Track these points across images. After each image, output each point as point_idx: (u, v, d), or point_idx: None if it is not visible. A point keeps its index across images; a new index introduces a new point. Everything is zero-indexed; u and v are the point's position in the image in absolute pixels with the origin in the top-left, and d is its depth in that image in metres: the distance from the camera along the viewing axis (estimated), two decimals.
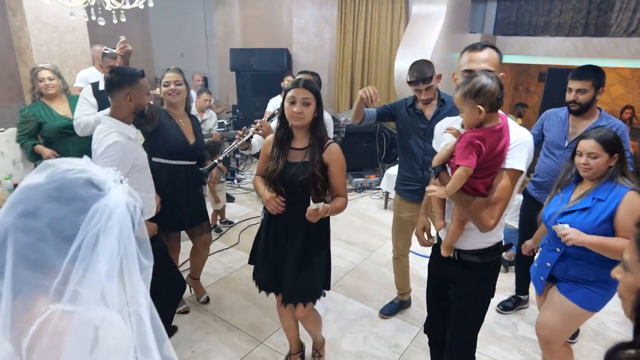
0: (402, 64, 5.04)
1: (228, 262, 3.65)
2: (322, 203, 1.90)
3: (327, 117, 2.80)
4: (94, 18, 3.23)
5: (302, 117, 1.93)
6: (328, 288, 2.26)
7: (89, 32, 5.17)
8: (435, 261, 1.95)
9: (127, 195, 0.88)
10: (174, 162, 2.58)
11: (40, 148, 3.09)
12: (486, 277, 1.81)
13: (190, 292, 3.10)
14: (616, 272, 0.87)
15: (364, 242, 4.07)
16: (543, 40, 5.64)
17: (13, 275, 0.78)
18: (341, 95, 6.61)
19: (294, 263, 2.06)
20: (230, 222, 4.38)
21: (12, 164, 3.53)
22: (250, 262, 2.32)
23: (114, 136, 1.96)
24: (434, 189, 1.70)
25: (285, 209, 2.01)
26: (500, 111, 1.62)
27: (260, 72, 6.41)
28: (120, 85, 2.02)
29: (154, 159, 2.57)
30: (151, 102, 2.22)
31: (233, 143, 2.59)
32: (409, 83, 2.50)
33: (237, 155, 6.05)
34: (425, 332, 2.12)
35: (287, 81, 5.29)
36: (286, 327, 2.44)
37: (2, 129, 3.62)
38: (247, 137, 2.55)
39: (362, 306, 3.08)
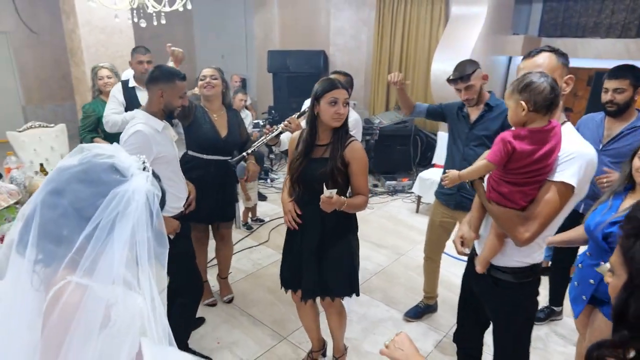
0: (439, 66, 4.96)
1: (257, 258, 3.72)
2: (336, 190, 1.87)
3: (355, 116, 2.80)
4: (136, 20, 3.39)
5: (343, 118, 1.95)
6: (357, 293, 2.21)
7: (135, 34, 5.42)
8: (466, 272, 1.90)
9: (149, 184, 0.91)
10: (205, 156, 2.67)
11: (98, 140, 3.28)
12: (520, 299, 1.68)
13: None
14: (607, 277, 0.83)
15: (393, 245, 4.03)
16: (592, 41, 5.40)
17: (37, 247, 0.85)
18: (377, 97, 6.58)
19: (310, 260, 2.09)
20: (261, 220, 4.46)
21: (60, 157, 3.75)
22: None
23: (138, 126, 2.02)
24: (447, 174, 1.69)
25: (301, 221, 2.06)
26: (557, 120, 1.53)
27: (297, 74, 6.49)
28: (156, 80, 2.08)
29: (190, 152, 2.70)
30: (187, 101, 2.24)
31: (262, 137, 2.64)
32: (449, 82, 2.43)
33: (271, 155, 6.15)
34: (454, 340, 2.07)
35: None
36: (307, 327, 2.47)
37: (52, 125, 3.85)
38: (275, 132, 2.60)
39: (387, 309, 3.05)
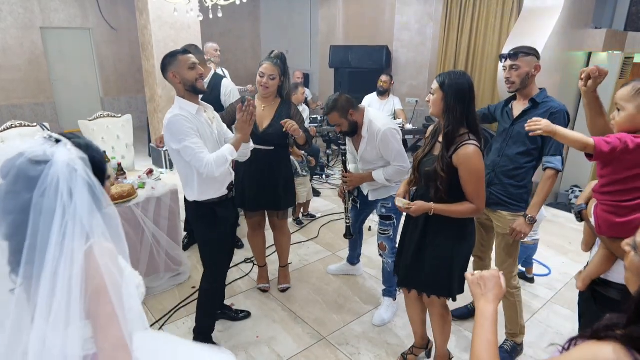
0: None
1: (304, 254, 3.70)
2: (407, 202, 1.99)
3: (380, 127, 2.60)
4: (192, 13, 3.48)
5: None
6: (460, 291, 2.12)
7: (205, 31, 5.61)
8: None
9: (72, 152, 0.94)
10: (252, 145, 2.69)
11: None
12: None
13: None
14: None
15: None
16: None
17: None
18: None
19: (412, 252, 2.11)
20: (312, 216, 4.44)
21: (125, 146, 3.96)
22: None
23: (175, 111, 2.12)
24: (540, 122, 1.62)
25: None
26: None
27: (358, 70, 6.40)
28: (164, 68, 2.14)
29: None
30: (201, 70, 2.19)
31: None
32: (499, 57, 2.32)
33: (328, 151, 6.11)
34: None
35: (381, 82, 5.19)
36: (410, 319, 2.44)
37: (119, 115, 4.07)
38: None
39: None
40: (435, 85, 1.92)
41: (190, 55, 2.16)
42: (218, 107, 2.37)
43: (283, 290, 3.14)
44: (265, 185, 2.79)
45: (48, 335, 0.89)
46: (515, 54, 2.19)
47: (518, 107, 2.30)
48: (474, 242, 2.17)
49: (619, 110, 1.49)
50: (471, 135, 1.89)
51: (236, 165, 2.71)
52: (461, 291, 2.12)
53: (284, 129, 2.56)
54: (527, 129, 1.67)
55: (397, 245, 2.36)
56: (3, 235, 0.93)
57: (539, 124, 1.62)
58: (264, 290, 3.13)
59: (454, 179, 1.90)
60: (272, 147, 2.71)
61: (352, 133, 2.65)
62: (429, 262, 2.07)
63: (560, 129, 1.58)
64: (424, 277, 2.10)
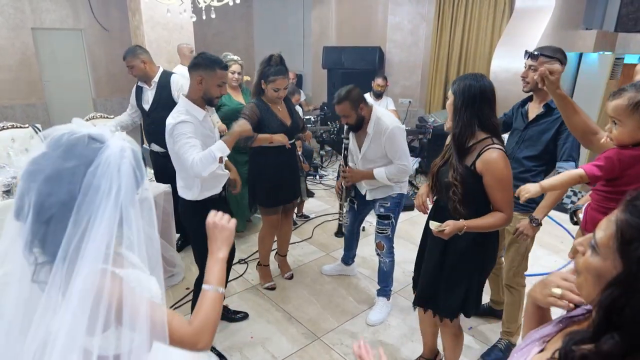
0: (499, 63, 4.69)
1: (298, 255, 3.70)
2: (451, 222, 1.74)
3: (382, 111, 2.72)
4: (186, 14, 3.47)
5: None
6: (467, 314, 2.01)
7: (198, 32, 5.60)
8: None
9: (125, 141, 0.97)
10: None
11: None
12: None
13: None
14: (579, 245, 0.74)
15: None
16: None
17: (33, 232, 0.88)
18: (434, 95, 6.35)
19: (429, 268, 2.02)
20: (306, 217, 4.44)
21: None
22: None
23: (182, 117, 2.08)
24: (523, 188, 1.63)
25: (429, 210, 2.04)
26: None
27: (351, 70, 6.41)
28: (197, 67, 2.11)
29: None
30: (225, 90, 2.26)
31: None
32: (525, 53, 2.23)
33: (322, 152, 6.12)
34: None
35: (378, 85, 5.20)
36: (422, 331, 2.38)
37: (112, 116, 4.04)
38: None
39: None
40: (450, 90, 1.85)
41: (225, 73, 2.18)
42: (172, 104, 2.35)
43: (290, 278, 3.31)
44: (292, 176, 2.97)
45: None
46: (535, 55, 2.11)
47: (533, 110, 2.24)
48: (496, 256, 2.02)
49: (615, 123, 1.46)
50: (495, 139, 1.78)
51: (264, 165, 2.84)
52: (477, 309, 2.07)
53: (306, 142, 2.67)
54: (519, 199, 1.70)
55: (399, 248, 2.43)
56: (35, 204, 0.87)
57: (529, 191, 1.63)
58: (272, 288, 3.16)
59: (471, 188, 1.78)
60: (292, 141, 2.87)
61: (356, 128, 2.67)
62: (450, 282, 1.95)
63: (544, 183, 1.60)
64: (442, 298, 1.99)
